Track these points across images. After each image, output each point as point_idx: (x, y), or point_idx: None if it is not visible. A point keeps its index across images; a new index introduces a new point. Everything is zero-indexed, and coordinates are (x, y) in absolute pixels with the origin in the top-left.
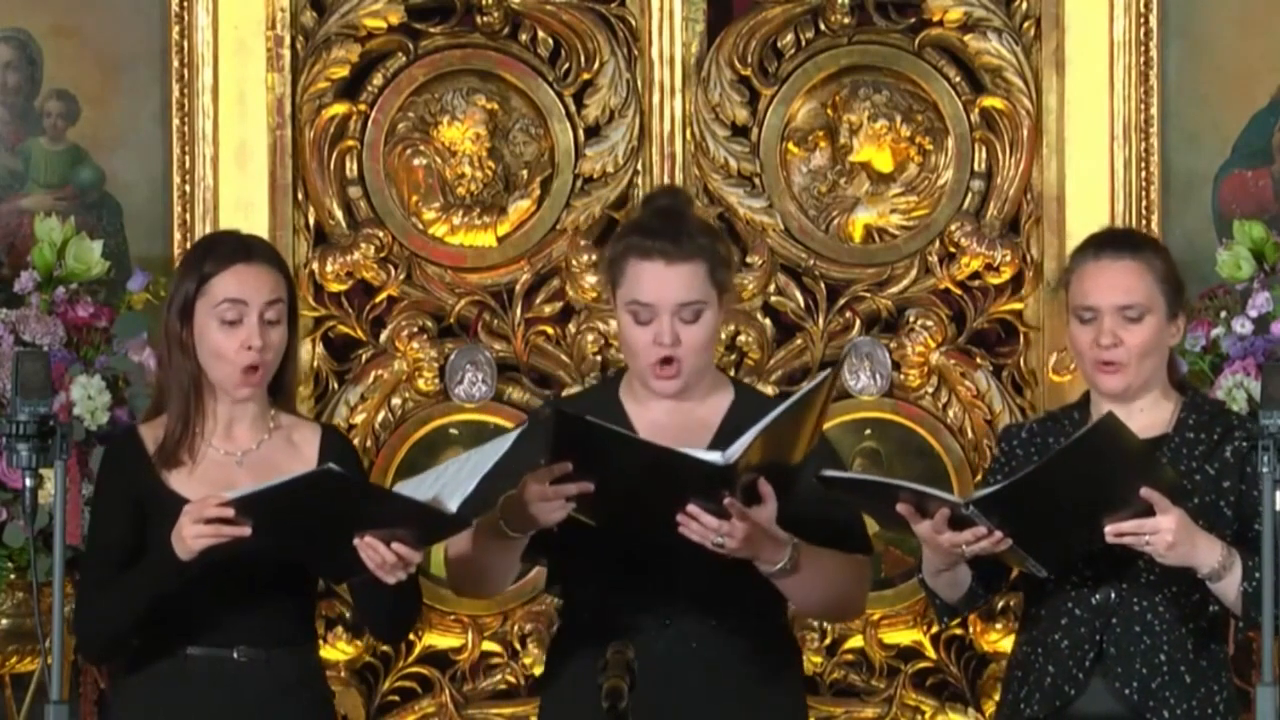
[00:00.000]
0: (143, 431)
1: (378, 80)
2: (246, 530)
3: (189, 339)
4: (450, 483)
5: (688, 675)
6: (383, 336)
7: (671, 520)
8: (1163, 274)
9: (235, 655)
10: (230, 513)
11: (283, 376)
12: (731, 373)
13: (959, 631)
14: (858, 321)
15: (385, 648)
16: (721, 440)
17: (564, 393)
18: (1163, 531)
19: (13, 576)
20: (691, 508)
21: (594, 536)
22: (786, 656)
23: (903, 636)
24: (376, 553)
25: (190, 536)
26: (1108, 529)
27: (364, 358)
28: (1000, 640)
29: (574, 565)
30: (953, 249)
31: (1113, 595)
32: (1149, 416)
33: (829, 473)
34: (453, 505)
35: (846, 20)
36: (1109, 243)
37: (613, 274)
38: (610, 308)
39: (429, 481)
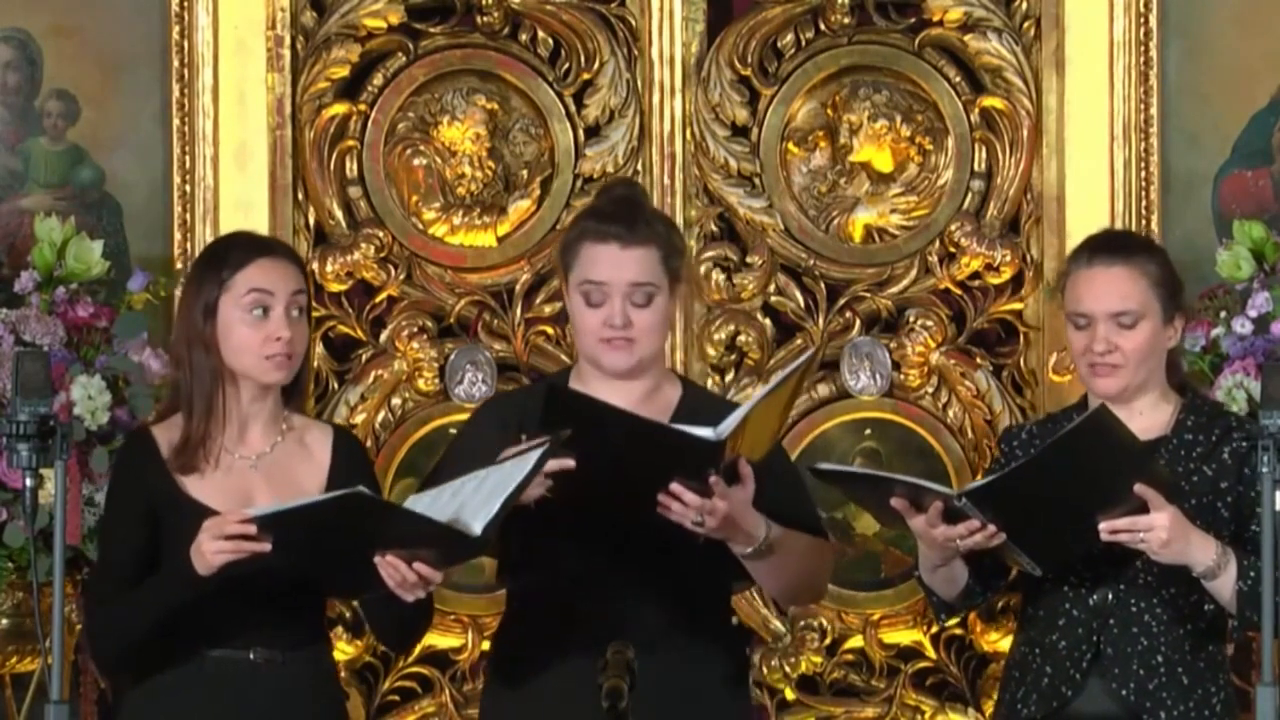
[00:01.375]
0: (156, 433)
1: (378, 80)
2: (266, 547)
3: (212, 335)
4: (470, 503)
5: (658, 669)
6: (383, 336)
7: (651, 500)
8: (1157, 278)
9: (252, 656)
10: (252, 529)
11: (299, 376)
12: (732, 373)
13: (959, 631)
14: (858, 321)
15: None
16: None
17: None
18: (1156, 529)
19: (13, 576)
20: (675, 486)
21: (565, 523)
22: (743, 656)
23: (903, 636)
24: (398, 571)
25: (210, 552)
26: (1102, 526)
27: (364, 358)
28: (1000, 640)
29: (541, 551)
30: (953, 249)
31: (1110, 596)
32: (1148, 419)
33: (824, 466)
34: (477, 528)
35: (846, 20)
36: (1102, 248)
37: (566, 259)
38: None
39: (445, 498)
